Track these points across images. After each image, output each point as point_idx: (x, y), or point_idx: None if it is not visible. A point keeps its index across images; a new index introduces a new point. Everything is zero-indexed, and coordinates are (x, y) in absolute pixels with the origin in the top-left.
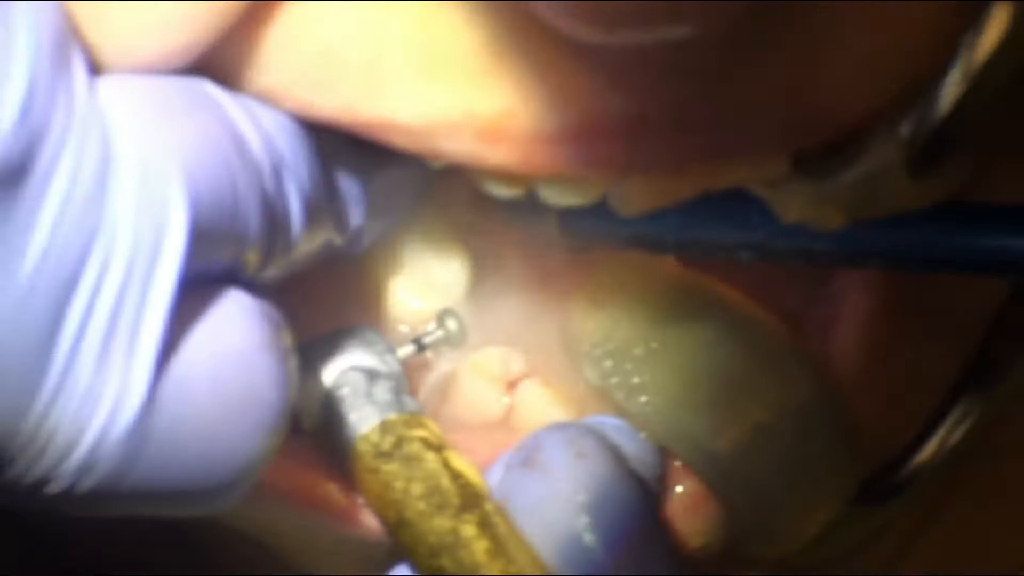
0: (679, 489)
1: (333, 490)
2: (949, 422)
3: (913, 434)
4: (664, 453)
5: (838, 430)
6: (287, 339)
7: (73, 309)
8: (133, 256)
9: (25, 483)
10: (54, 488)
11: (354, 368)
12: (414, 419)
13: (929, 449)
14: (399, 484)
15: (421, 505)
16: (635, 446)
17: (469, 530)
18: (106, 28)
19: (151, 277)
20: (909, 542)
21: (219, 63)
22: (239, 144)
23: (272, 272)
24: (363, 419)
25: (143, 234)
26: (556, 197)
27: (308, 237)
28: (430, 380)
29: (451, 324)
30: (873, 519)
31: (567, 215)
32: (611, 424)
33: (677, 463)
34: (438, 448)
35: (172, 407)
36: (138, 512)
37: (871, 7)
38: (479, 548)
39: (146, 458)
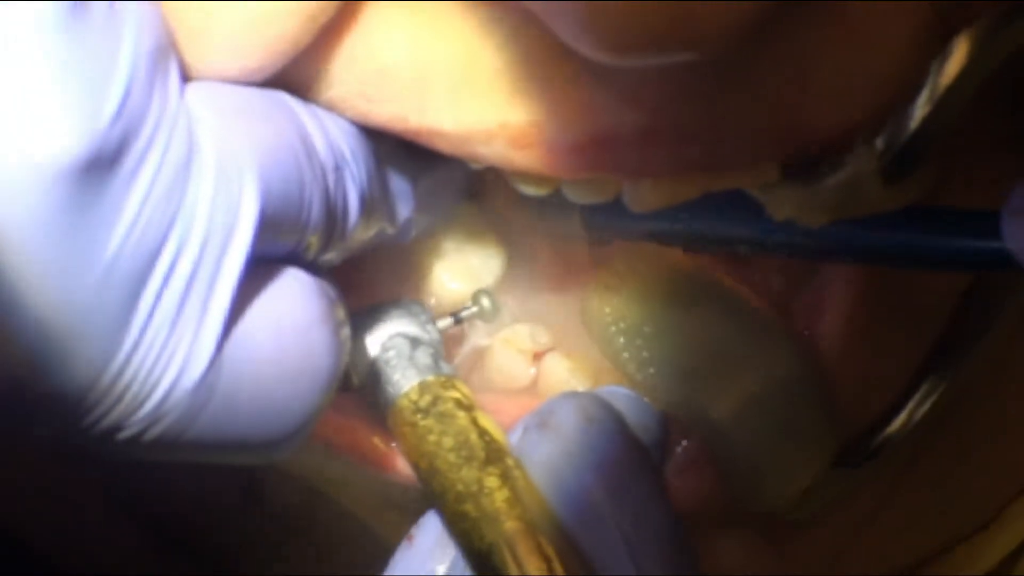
0: (681, 451)
1: (375, 442)
2: (918, 396)
3: (886, 406)
4: (668, 419)
5: (821, 401)
6: (341, 313)
7: (152, 280)
8: (208, 238)
9: (100, 429)
10: (125, 435)
11: (399, 335)
12: (449, 382)
13: (900, 419)
14: (432, 437)
15: (451, 457)
16: (642, 414)
17: (492, 481)
18: (199, 44)
19: (223, 257)
20: (883, 501)
21: (293, 77)
22: (307, 144)
23: (331, 255)
24: (405, 379)
25: (217, 219)
26: (577, 195)
27: (363, 227)
28: (463, 351)
29: (485, 302)
30: (850, 480)
31: (589, 212)
32: (622, 393)
33: (679, 429)
34: (468, 408)
35: (235, 368)
36: (200, 459)
37: (853, 37)
38: (500, 497)
39: (209, 412)
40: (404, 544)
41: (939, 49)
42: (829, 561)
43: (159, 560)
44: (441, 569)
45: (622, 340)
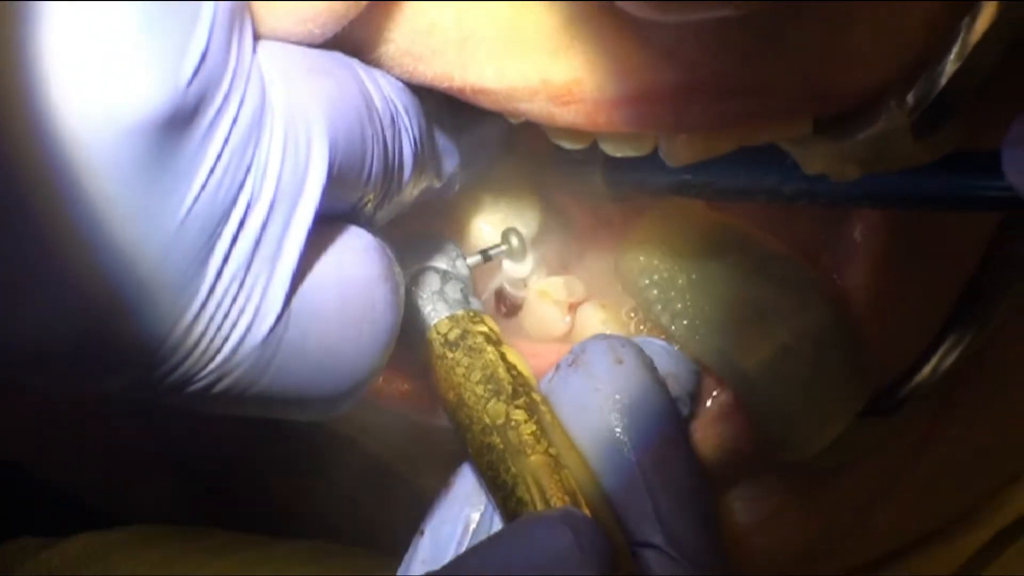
0: (713, 401)
1: (416, 387)
2: (946, 344)
3: (915, 355)
4: (700, 370)
5: (851, 351)
6: (399, 271)
7: (224, 233)
8: (278, 192)
9: (171, 381)
10: (195, 387)
11: (430, 269)
12: (477, 316)
13: (928, 368)
14: (461, 370)
15: (479, 389)
16: (674, 364)
17: (519, 414)
18: (266, 6)
19: (292, 211)
20: (914, 451)
21: (347, 38)
22: (367, 101)
23: (385, 212)
24: (435, 312)
25: (288, 175)
26: (614, 150)
27: (414, 182)
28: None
29: (514, 240)
30: (880, 429)
31: (611, 168)
32: (656, 344)
33: (711, 378)
34: (496, 343)
35: (302, 323)
36: (264, 414)
37: None
38: (526, 430)
39: (276, 366)
40: (442, 491)
41: (968, 7)
42: (860, 511)
43: (193, 506)
44: (475, 515)
45: (655, 292)
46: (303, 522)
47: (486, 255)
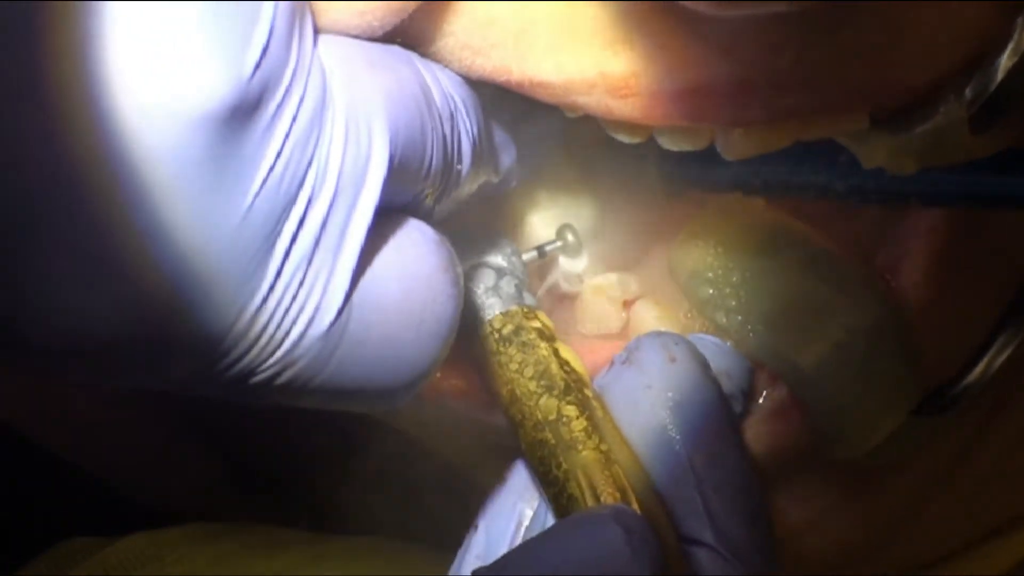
0: (767, 398)
1: (472, 384)
2: (998, 344)
3: (966, 356)
4: (754, 368)
5: (904, 350)
6: (458, 264)
7: (287, 226)
8: (340, 184)
9: (234, 373)
10: (257, 379)
11: (485, 264)
12: (531, 312)
13: (980, 367)
14: (514, 366)
15: (532, 385)
16: (727, 361)
17: (570, 410)
18: (328, 3)
19: (354, 203)
20: (967, 450)
21: (407, 31)
22: (426, 94)
23: (443, 206)
24: (489, 308)
25: (349, 167)
26: (671, 143)
27: (472, 177)
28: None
29: (569, 236)
30: (931, 428)
31: (665, 163)
32: (709, 341)
33: (764, 375)
34: (550, 339)
35: (364, 314)
36: (324, 406)
37: None
38: (577, 426)
39: (338, 358)
40: (497, 486)
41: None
42: (911, 511)
43: (244, 498)
44: (528, 510)
45: (709, 290)
46: (352, 519)
47: (541, 251)
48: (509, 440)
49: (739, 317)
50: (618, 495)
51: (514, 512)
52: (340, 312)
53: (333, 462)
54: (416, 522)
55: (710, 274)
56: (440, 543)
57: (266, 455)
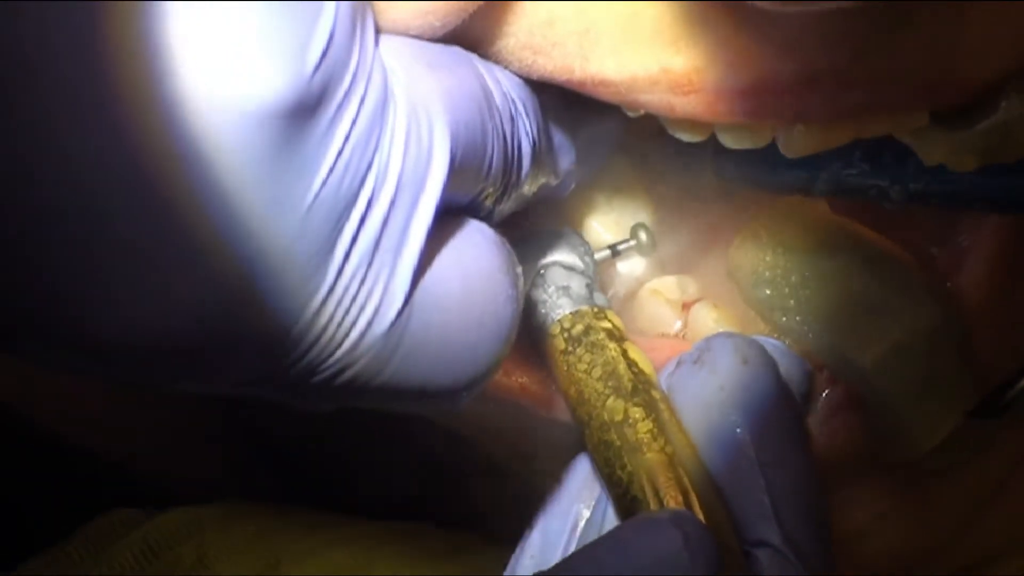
0: (826, 400)
1: (535, 380)
2: None
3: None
4: (813, 368)
5: (961, 353)
6: (517, 265)
7: (349, 224)
8: (401, 183)
9: (296, 371)
10: (319, 378)
11: (556, 263)
12: (602, 312)
13: None
14: (582, 366)
15: (599, 386)
16: (787, 362)
17: (637, 412)
18: (389, 2)
19: (415, 202)
20: (1019, 458)
21: (467, 32)
22: (487, 94)
23: (504, 207)
24: (559, 307)
25: (410, 166)
26: (732, 141)
27: (532, 178)
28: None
29: (643, 235)
30: (989, 431)
31: (721, 162)
32: (770, 343)
33: (822, 377)
34: (619, 339)
35: (425, 314)
36: (385, 407)
37: None
38: (643, 428)
39: (399, 357)
40: (553, 487)
41: None
42: (968, 515)
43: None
44: (585, 512)
45: (768, 291)
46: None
47: (615, 250)
48: (564, 437)
49: (798, 318)
50: (680, 498)
51: (571, 513)
52: (401, 311)
53: (367, 448)
54: (457, 509)
55: (768, 275)
56: (479, 530)
57: (296, 441)
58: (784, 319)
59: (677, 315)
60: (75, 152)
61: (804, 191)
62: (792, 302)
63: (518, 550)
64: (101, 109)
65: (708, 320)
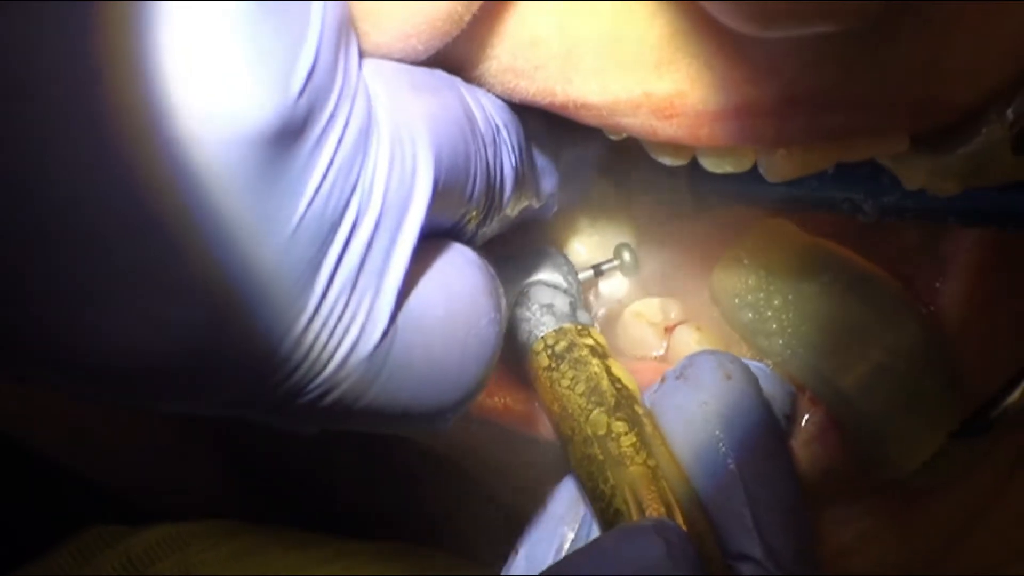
0: (808, 421)
1: (518, 400)
2: None
3: (1006, 379)
4: (796, 391)
5: (944, 372)
6: (500, 287)
7: (333, 247)
8: (384, 207)
9: (280, 393)
10: (303, 400)
11: (540, 282)
12: (585, 330)
13: (1019, 391)
14: (566, 382)
15: (582, 401)
16: (770, 384)
17: (619, 426)
18: (369, 24)
19: (399, 226)
20: (1009, 473)
21: (450, 55)
22: (470, 118)
23: (486, 230)
24: (543, 324)
25: (394, 189)
26: (713, 165)
27: (515, 201)
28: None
29: (626, 255)
30: (972, 450)
31: (695, 178)
32: (754, 365)
33: (805, 398)
34: (602, 356)
35: (408, 336)
36: (370, 428)
37: (987, 9)
38: (626, 442)
39: (383, 380)
40: (538, 510)
41: None
42: (953, 534)
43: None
44: (570, 533)
45: (750, 315)
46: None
47: (598, 269)
48: (545, 456)
49: (780, 341)
50: (663, 509)
51: (556, 535)
52: (385, 333)
53: (351, 468)
54: (441, 529)
55: (751, 298)
56: (461, 550)
57: (279, 460)
58: (767, 342)
59: (660, 338)
60: (62, 174)
61: (778, 205)
62: (774, 325)
63: (503, 572)
64: (90, 132)
65: (691, 342)
